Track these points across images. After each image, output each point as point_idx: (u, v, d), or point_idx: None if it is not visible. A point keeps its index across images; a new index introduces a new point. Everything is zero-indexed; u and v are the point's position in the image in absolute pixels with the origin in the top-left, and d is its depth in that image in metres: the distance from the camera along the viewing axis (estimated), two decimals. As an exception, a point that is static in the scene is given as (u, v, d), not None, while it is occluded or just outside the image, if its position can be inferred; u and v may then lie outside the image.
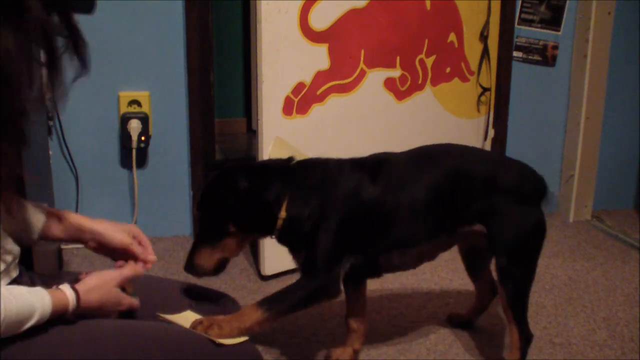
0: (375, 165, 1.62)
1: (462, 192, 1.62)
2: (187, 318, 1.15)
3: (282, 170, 1.55)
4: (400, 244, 1.61)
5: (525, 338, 1.66)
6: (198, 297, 1.32)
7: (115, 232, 1.25)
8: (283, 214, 1.49)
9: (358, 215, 1.54)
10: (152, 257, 1.25)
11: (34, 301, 0.94)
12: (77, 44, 1.04)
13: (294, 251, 1.60)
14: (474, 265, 1.92)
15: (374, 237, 1.57)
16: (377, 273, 1.71)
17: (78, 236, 1.25)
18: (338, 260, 1.53)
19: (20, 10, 0.91)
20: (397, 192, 1.59)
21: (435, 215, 1.61)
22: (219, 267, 1.50)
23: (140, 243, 1.27)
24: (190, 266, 1.47)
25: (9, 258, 1.07)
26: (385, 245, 1.59)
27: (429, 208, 1.60)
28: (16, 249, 1.11)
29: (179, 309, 1.23)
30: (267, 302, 1.44)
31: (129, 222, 2.63)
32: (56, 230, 1.24)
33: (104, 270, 1.13)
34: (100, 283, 1.08)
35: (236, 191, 1.45)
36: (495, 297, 1.92)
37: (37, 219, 1.22)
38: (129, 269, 1.16)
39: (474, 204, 1.63)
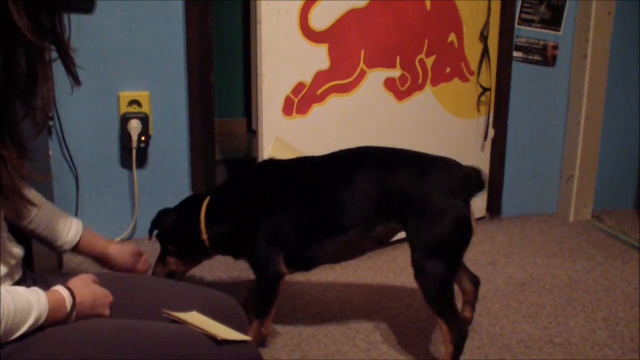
0: (294, 168, 1.85)
1: (378, 192, 1.70)
2: (193, 317, 1.15)
3: (204, 196, 1.88)
4: (319, 238, 1.77)
5: (458, 332, 1.65)
6: (201, 299, 1.31)
7: (126, 257, 1.50)
8: (204, 235, 1.81)
9: (276, 218, 1.76)
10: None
11: (30, 298, 0.95)
12: (66, 64, 1.10)
13: (237, 258, 1.93)
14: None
15: (294, 233, 1.77)
16: (309, 264, 1.88)
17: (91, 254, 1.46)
18: (271, 255, 1.77)
19: (11, 36, 0.92)
20: (314, 192, 1.77)
21: (351, 213, 1.72)
22: (170, 276, 1.85)
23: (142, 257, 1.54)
24: (158, 271, 1.88)
25: (12, 261, 1.07)
26: (307, 239, 1.77)
27: (346, 206, 1.72)
28: (20, 251, 1.11)
29: (183, 309, 1.23)
30: (256, 311, 1.79)
31: (129, 222, 2.64)
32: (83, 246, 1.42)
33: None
34: (82, 280, 1.12)
35: (167, 224, 1.85)
36: (478, 285, 1.94)
37: (67, 229, 1.39)
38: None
39: (391, 203, 1.69)
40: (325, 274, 2.35)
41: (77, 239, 1.40)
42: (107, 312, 1.12)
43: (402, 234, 1.75)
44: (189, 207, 1.88)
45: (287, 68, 2.24)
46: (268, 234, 1.76)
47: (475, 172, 1.70)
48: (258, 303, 1.80)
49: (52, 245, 1.39)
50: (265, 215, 1.77)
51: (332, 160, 1.84)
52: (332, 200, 1.74)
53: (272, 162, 1.92)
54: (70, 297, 1.03)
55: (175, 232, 1.84)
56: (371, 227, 1.74)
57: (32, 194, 1.30)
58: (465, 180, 1.68)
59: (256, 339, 1.77)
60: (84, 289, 1.08)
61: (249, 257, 1.84)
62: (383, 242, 1.84)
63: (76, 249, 1.42)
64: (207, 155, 2.68)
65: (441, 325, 1.67)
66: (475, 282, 1.94)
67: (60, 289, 1.04)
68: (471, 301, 1.96)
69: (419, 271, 1.65)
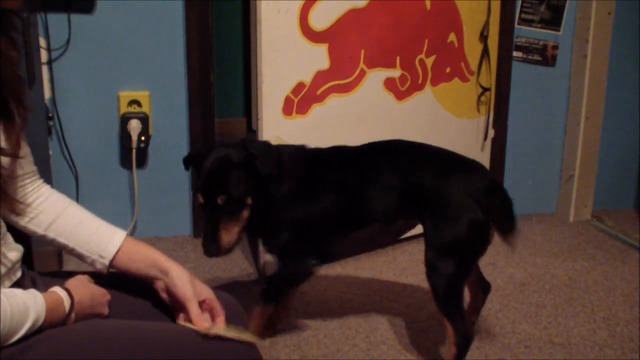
0: (331, 156, 1.80)
1: (402, 187, 1.70)
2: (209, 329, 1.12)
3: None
4: (345, 230, 1.77)
5: (463, 335, 1.64)
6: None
7: (186, 284, 1.14)
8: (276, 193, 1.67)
9: (309, 208, 1.70)
10: (206, 324, 1.10)
11: (27, 301, 0.94)
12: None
13: (255, 239, 1.85)
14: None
15: (324, 225, 1.73)
16: (332, 258, 1.91)
17: (146, 272, 1.17)
18: (302, 249, 1.74)
19: None
20: (345, 184, 1.73)
21: (376, 206, 1.72)
22: (238, 242, 1.63)
23: (208, 308, 1.15)
24: (215, 245, 1.55)
25: (10, 262, 1.07)
26: (334, 232, 1.76)
27: (372, 199, 1.71)
28: (19, 251, 1.11)
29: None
30: (264, 296, 1.76)
31: (129, 222, 2.64)
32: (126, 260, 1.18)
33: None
34: (79, 281, 1.11)
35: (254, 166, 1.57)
36: (488, 292, 1.93)
37: (102, 242, 1.17)
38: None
39: (413, 199, 1.69)
40: (324, 273, 2.35)
41: (112, 253, 1.16)
42: (105, 310, 1.12)
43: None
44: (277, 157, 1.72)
45: (287, 68, 2.24)
46: (301, 224, 1.71)
47: (493, 180, 1.71)
48: (272, 288, 1.78)
49: (84, 260, 1.19)
50: (300, 204, 1.71)
51: (364, 153, 1.82)
52: (360, 193, 1.72)
53: (307, 150, 1.81)
54: (68, 297, 1.03)
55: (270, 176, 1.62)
56: (393, 221, 1.76)
57: (54, 196, 1.22)
58: (489, 186, 1.67)
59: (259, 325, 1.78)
60: (81, 289, 1.07)
61: (275, 243, 1.74)
62: (399, 235, 1.85)
63: (114, 265, 1.17)
64: (207, 155, 2.68)
65: (446, 325, 1.66)
66: (486, 289, 1.92)
67: (57, 289, 1.04)
68: (478, 307, 1.96)
69: (431, 269, 1.65)
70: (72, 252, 1.19)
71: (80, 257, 1.18)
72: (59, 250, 2.37)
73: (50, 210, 1.19)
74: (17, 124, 1.05)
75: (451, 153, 1.78)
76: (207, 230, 1.56)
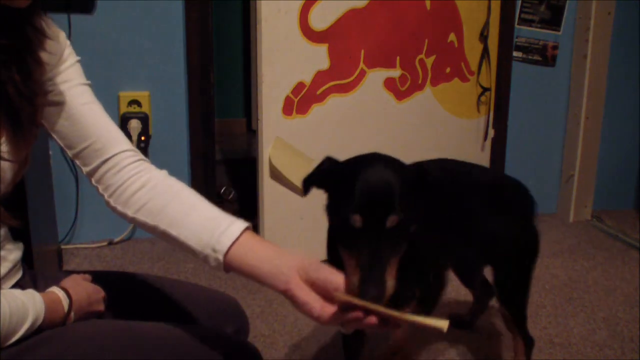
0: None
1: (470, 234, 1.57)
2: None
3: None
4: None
5: (529, 344, 1.68)
6: (202, 298, 1.31)
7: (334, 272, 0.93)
8: None
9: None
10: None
11: (25, 301, 0.94)
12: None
13: None
14: (465, 274, 1.94)
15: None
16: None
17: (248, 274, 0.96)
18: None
19: None
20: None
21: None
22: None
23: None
24: (382, 288, 0.99)
25: (11, 262, 1.07)
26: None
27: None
28: (19, 252, 1.11)
29: (183, 309, 1.22)
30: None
31: (128, 223, 2.63)
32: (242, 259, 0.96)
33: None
34: (74, 280, 1.11)
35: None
36: (491, 297, 1.93)
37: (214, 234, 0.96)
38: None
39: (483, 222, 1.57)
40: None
41: (226, 246, 0.95)
42: (101, 307, 1.11)
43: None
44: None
45: (287, 68, 2.24)
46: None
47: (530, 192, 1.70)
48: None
49: (197, 256, 0.99)
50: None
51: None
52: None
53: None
54: (66, 297, 1.03)
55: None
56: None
57: (164, 180, 1.05)
58: (532, 199, 1.66)
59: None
60: (77, 288, 1.08)
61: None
62: None
63: (229, 261, 0.95)
64: (207, 155, 2.67)
65: (517, 340, 1.68)
66: (490, 293, 1.92)
67: (55, 289, 1.04)
68: (481, 309, 1.96)
69: (505, 293, 1.64)
70: (183, 246, 0.99)
71: (193, 253, 0.99)
72: (59, 251, 2.37)
73: (160, 196, 1.03)
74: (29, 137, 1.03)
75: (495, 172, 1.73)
76: (367, 264, 1.03)
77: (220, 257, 0.95)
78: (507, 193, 1.64)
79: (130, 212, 1.03)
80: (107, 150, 1.06)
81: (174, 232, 0.99)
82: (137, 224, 1.04)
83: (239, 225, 0.97)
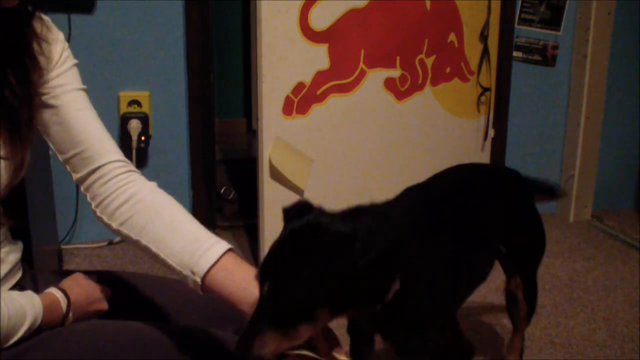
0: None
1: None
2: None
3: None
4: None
5: (530, 313, 1.63)
6: (201, 301, 1.30)
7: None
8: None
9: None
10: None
11: (23, 303, 0.94)
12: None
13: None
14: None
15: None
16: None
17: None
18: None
19: None
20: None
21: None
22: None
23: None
24: (244, 353, 0.89)
25: (11, 263, 1.07)
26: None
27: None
28: (18, 252, 1.10)
29: (183, 310, 1.22)
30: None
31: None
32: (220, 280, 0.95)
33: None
34: (74, 280, 1.09)
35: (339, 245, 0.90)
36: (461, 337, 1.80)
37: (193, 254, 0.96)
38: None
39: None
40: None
41: (204, 269, 0.94)
42: (104, 306, 1.10)
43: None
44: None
45: (287, 68, 2.24)
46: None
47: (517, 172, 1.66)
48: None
49: (178, 276, 0.99)
50: None
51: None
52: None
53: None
54: (64, 297, 1.03)
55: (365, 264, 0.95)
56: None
57: (151, 193, 1.05)
58: (523, 180, 1.62)
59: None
60: (76, 288, 1.07)
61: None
62: None
63: (207, 284, 0.95)
64: (207, 155, 2.67)
65: (517, 337, 1.64)
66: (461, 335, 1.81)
67: (53, 290, 1.03)
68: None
69: (529, 288, 1.59)
70: (164, 263, 0.99)
71: (174, 271, 0.98)
72: (59, 251, 2.37)
73: (144, 211, 1.02)
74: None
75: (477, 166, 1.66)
76: (248, 327, 0.92)
77: (198, 280, 0.95)
78: (505, 186, 1.56)
79: (114, 225, 1.03)
80: (96, 160, 1.05)
81: (154, 249, 1.00)
82: (121, 237, 1.05)
83: (219, 247, 0.97)
